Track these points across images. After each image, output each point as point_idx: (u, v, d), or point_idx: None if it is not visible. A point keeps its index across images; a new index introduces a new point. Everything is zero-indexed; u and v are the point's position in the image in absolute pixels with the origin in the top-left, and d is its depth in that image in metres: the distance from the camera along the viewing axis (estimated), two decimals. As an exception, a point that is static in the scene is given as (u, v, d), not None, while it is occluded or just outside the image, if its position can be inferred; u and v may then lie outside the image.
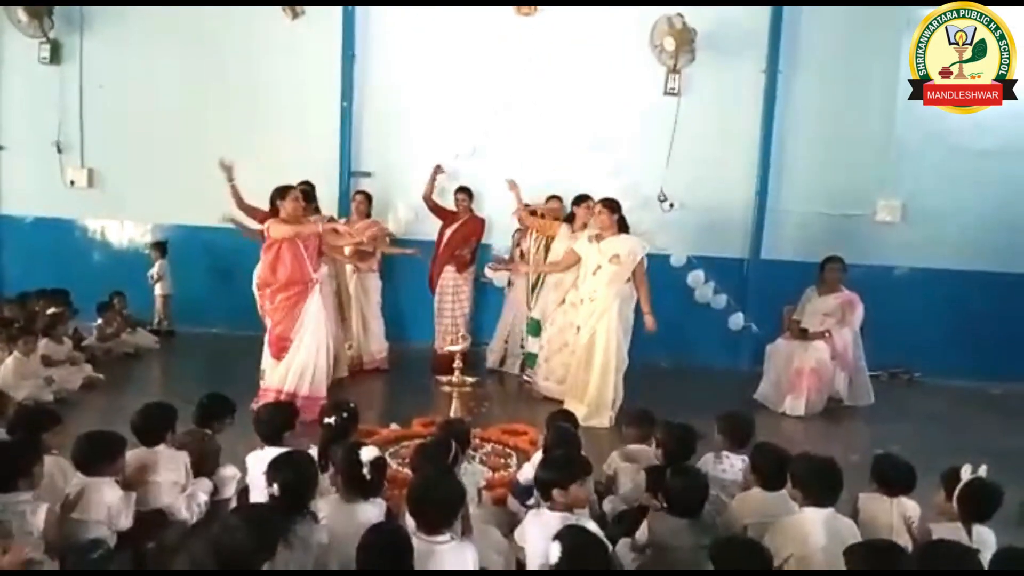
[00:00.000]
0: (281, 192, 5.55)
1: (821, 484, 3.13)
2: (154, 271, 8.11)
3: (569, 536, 2.60)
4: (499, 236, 7.90)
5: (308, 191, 6.14)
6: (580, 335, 5.99)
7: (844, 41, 7.78)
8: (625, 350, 5.95)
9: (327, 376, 5.70)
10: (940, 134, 7.65)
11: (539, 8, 7.86)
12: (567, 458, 3.24)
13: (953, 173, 7.73)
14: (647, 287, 5.93)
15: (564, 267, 6.30)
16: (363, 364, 6.99)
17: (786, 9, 7.68)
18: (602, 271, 5.86)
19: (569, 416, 4.43)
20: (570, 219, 6.64)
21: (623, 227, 6.02)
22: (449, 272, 7.20)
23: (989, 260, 7.71)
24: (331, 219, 6.37)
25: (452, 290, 7.21)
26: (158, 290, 8.12)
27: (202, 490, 3.70)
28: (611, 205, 5.99)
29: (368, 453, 3.10)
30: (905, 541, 3.28)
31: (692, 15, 7.46)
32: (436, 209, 7.38)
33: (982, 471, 3.21)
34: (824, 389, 6.46)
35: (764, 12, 7.71)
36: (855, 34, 7.75)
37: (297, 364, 5.53)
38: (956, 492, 3.18)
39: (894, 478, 3.44)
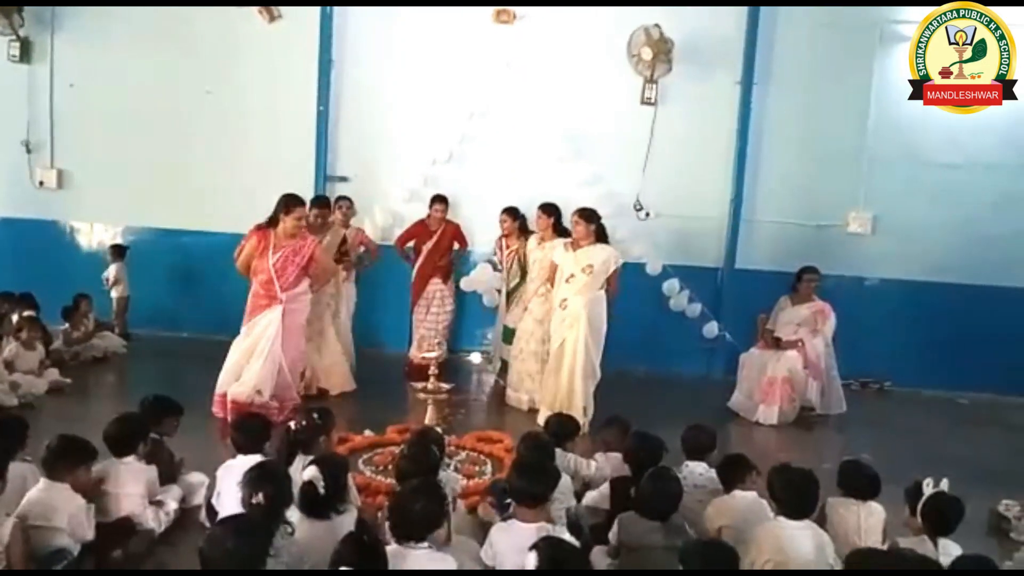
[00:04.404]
0: (287, 206, 5.37)
1: (799, 497, 3.17)
2: (108, 274, 7.91)
3: (546, 547, 2.59)
4: (476, 243, 7.86)
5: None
6: (551, 342, 5.96)
7: (818, 55, 7.85)
8: (596, 362, 5.91)
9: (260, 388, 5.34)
10: (910, 148, 7.77)
11: (517, 16, 7.88)
12: (542, 469, 3.22)
13: (922, 187, 7.84)
14: (615, 295, 5.95)
15: (546, 278, 6.22)
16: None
17: (761, 23, 7.74)
18: (575, 280, 5.83)
19: (571, 420, 4.45)
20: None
21: (601, 236, 5.98)
22: (435, 283, 7.15)
23: (957, 272, 7.82)
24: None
25: (438, 300, 7.16)
26: (114, 293, 7.93)
27: (172, 498, 3.64)
28: (587, 216, 5.92)
29: (308, 472, 3.05)
30: (874, 543, 3.33)
31: (669, 26, 7.51)
32: (408, 240, 7.31)
33: (943, 485, 3.26)
34: (797, 398, 6.50)
35: (740, 25, 7.78)
36: (829, 49, 7.82)
37: (230, 364, 5.41)
38: (919, 507, 3.22)
39: (859, 484, 3.52)
